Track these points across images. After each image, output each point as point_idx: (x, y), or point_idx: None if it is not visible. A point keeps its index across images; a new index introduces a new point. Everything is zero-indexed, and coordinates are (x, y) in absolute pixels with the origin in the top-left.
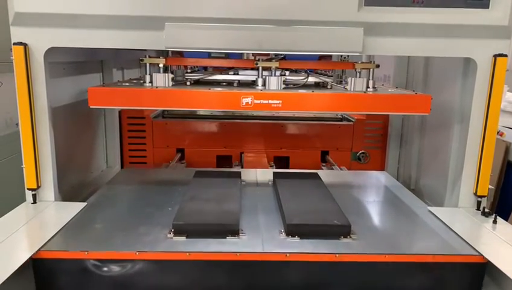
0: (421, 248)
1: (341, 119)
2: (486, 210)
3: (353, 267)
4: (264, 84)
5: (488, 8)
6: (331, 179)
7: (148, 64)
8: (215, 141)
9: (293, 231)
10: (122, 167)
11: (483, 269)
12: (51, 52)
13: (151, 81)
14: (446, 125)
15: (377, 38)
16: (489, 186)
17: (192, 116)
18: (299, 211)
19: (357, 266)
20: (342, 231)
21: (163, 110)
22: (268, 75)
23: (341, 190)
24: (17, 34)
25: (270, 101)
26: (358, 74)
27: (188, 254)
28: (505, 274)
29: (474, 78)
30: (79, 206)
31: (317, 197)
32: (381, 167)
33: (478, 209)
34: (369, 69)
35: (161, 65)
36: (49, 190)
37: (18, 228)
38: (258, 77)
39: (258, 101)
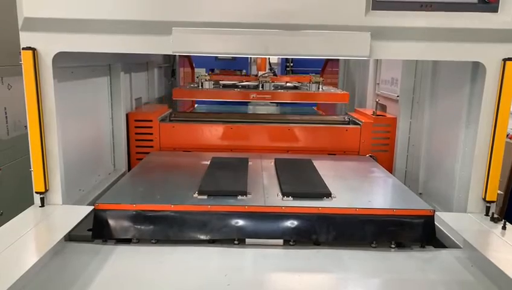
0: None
1: (348, 122)
2: (495, 216)
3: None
4: (262, 87)
5: (497, 12)
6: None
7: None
8: (221, 144)
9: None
10: (129, 170)
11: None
12: (59, 57)
13: (201, 85)
14: (454, 129)
15: (384, 43)
16: (498, 191)
17: (199, 119)
18: (292, 181)
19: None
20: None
21: (170, 113)
22: (265, 82)
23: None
24: (26, 38)
25: (265, 96)
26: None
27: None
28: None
29: (483, 82)
30: (86, 209)
31: (306, 172)
32: (389, 170)
33: (487, 214)
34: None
35: (207, 78)
36: (57, 193)
37: (26, 231)
38: (259, 84)
39: (259, 96)
